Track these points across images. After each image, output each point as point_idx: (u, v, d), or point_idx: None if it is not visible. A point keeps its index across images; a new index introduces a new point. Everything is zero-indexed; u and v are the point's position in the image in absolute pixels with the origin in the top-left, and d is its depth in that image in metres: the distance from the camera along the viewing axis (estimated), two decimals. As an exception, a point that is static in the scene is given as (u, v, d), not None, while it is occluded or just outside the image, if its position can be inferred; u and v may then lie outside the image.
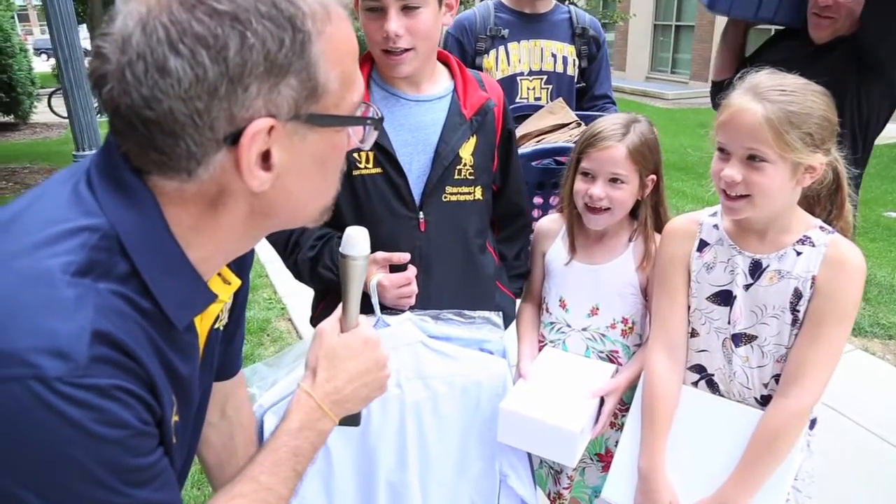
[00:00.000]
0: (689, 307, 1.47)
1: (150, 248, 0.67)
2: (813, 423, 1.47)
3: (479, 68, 2.29)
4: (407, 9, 1.42)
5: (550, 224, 1.79)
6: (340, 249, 0.96)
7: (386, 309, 1.45)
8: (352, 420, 0.96)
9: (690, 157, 7.01)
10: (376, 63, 1.56)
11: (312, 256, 1.52)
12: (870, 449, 2.78)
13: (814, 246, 1.32)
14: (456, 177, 1.57)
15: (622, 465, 1.53)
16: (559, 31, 2.33)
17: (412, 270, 1.53)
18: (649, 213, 1.63)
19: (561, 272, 1.71)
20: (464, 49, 2.30)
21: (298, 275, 1.61)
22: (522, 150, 1.94)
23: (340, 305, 0.97)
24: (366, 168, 1.50)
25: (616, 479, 1.52)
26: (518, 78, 2.30)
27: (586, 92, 2.44)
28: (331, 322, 0.96)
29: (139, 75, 0.61)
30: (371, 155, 1.49)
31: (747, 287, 1.37)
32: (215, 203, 0.69)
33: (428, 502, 1.46)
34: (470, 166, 1.60)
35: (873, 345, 3.66)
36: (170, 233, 0.69)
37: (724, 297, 1.41)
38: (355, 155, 1.39)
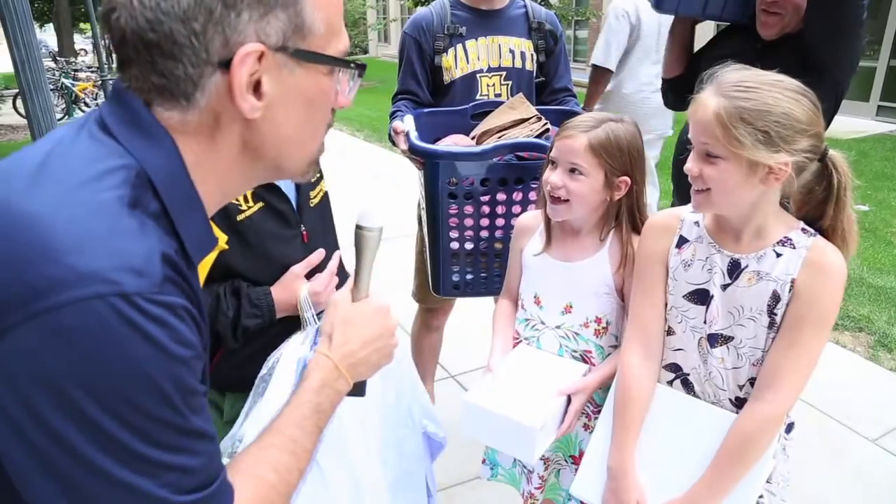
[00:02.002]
0: (666, 305, 1.44)
1: (175, 186, 0.72)
2: (790, 427, 1.44)
3: (439, 67, 2.28)
4: None
5: (530, 220, 1.77)
6: (357, 222, 1.00)
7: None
8: (357, 390, 1.00)
9: (663, 153, 7.04)
10: None
11: (234, 314, 1.42)
12: (841, 440, 2.80)
13: (794, 248, 1.29)
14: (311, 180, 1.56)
15: (592, 462, 1.51)
16: (516, 26, 2.32)
17: (333, 263, 1.55)
18: (625, 216, 1.60)
19: (535, 267, 1.70)
20: (422, 49, 2.28)
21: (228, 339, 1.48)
22: (483, 146, 1.92)
23: (352, 277, 1.03)
24: (248, 208, 1.41)
25: (585, 475, 1.51)
26: (478, 75, 2.29)
27: (546, 86, 2.43)
28: (343, 293, 1.03)
29: (144, 1, 0.67)
30: (248, 194, 1.42)
31: (725, 287, 1.35)
32: (213, 134, 0.74)
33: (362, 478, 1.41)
34: None
35: (844, 337, 3.70)
36: (186, 169, 0.73)
37: (701, 296, 1.39)
38: (234, 200, 1.32)
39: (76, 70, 14.63)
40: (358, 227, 1.01)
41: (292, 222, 1.50)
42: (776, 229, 1.31)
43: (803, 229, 1.31)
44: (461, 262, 2.09)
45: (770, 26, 2.01)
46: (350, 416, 1.36)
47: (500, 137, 2.05)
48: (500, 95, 2.33)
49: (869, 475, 2.62)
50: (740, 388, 1.38)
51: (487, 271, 2.12)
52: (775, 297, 1.29)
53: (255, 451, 0.84)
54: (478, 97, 2.32)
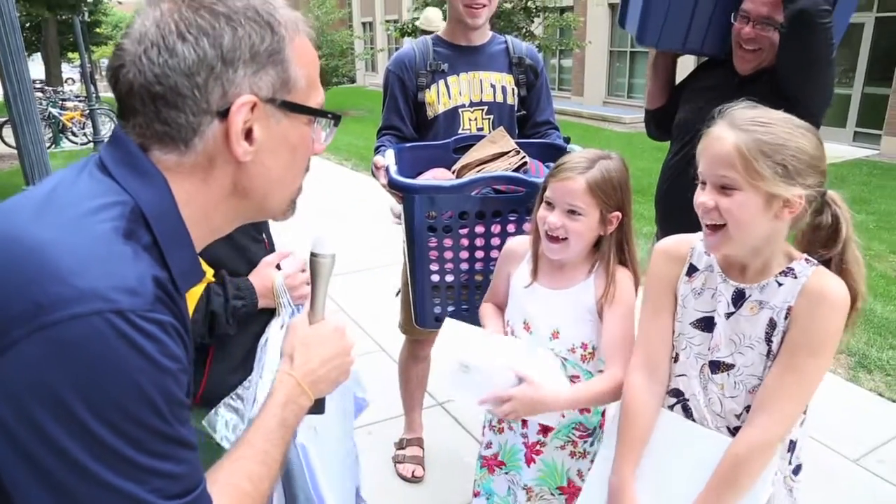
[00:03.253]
0: (673, 331, 1.46)
1: (166, 222, 0.79)
2: (798, 469, 1.45)
3: (422, 103, 2.34)
4: None
5: (518, 246, 1.81)
6: (311, 249, 1.08)
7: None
8: (316, 408, 1.06)
9: (647, 179, 7.15)
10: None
11: (223, 295, 1.52)
12: (823, 461, 2.84)
13: (795, 277, 1.30)
14: None
15: (596, 482, 1.55)
16: (497, 61, 2.38)
17: (296, 259, 1.66)
18: (613, 250, 1.64)
19: (523, 294, 1.74)
20: (405, 85, 2.34)
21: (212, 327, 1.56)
22: (460, 180, 1.96)
23: (308, 301, 1.11)
24: None
25: (588, 495, 1.56)
26: (460, 110, 2.35)
27: (528, 119, 2.49)
28: (301, 317, 1.12)
29: (153, 58, 0.76)
30: None
31: (728, 315, 1.37)
32: (206, 176, 0.82)
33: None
34: None
35: (824, 359, 3.76)
36: (177, 207, 0.81)
37: (707, 324, 1.41)
38: None
39: (64, 99, 14.65)
40: (312, 255, 1.08)
41: (260, 229, 1.68)
42: (780, 261, 1.33)
43: (806, 259, 1.32)
44: (442, 295, 2.12)
45: (746, 61, 2.09)
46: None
47: (479, 171, 2.10)
48: (482, 129, 2.38)
49: (850, 495, 2.66)
50: (737, 417, 1.39)
51: (469, 303, 2.14)
52: (772, 325, 1.31)
53: (229, 464, 0.89)
54: (460, 131, 2.37)
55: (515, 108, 2.44)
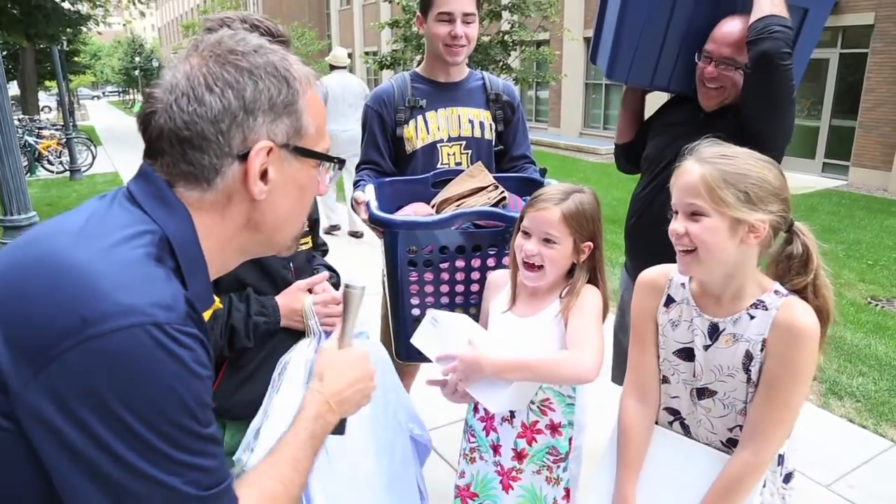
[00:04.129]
0: (658, 356, 1.58)
1: (188, 251, 0.88)
2: (788, 477, 1.55)
3: (400, 139, 2.38)
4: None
5: (500, 277, 1.91)
6: (344, 281, 1.20)
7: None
8: (338, 428, 1.15)
9: (622, 209, 7.28)
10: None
11: (245, 310, 1.63)
12: (796, 487, 2.89)
13: (766, 309, 1.40)
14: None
15: (596, 499, 1.66)
16: (474, 97, 2.44)
17: (332, 291, 1.75)
18: (582, 275, 1.74)
19: (497, 322, 1.81)
20: (383, 120, 2.38)
21: (231, 341, 1.63)
22: (440, 216, 2.00)
23: (339, 327, 1.22)
24: None
25: None
26: (438, 145, 2.39)
27: (505, 153, 2.54)
28: (331, 342, 1.24)
29: (183, 106, 0.86)
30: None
31: (706, 347, 1.48)
32: (223, 211, 0.92)
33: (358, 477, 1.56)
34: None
35: (797, 386, 3.83)
36: (197, 238, 0.90)
37: (688, 354, 1.52)
38: None
39: (40, 128, 14.54)
40: (345, 286, 1.19)
41: (283, 260, 1.75)
42: (752, 291, 1.42)
43: (776, 291, 1.41)
44: None
45: (710, 98, 2.17)
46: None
47: (458, 206, 2.13)
48: (460, 164, 2.42)
49: (823, 520, 2.70)
50: (730, 430, 1.50)
51: None
52: (748, 356, 1.41)
53: (263, 467, 0.99)
54: (439, 166, 2.40)
55: (493, 143, 2.48)
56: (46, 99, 35.53)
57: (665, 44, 2.22)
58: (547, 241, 1.68)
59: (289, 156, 0.94)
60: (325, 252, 2.15)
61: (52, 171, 13.38)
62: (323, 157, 0.99)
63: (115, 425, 0.74)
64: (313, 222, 2.07)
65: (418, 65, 2.52)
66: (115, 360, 0.73)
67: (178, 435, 0.78)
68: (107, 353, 0.73)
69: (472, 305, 2.10)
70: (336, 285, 2.01)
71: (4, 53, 21.66)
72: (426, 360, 2.22)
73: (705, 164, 1.36)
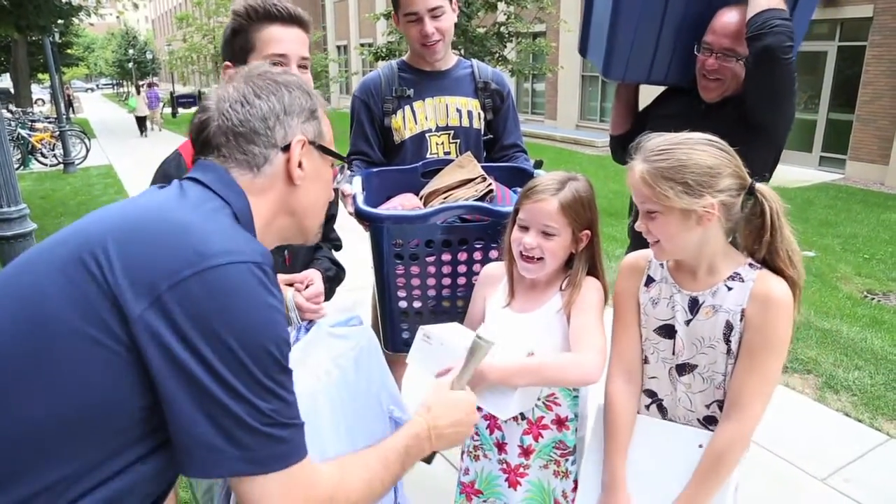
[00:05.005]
0: (641, 336, 1.60)
1: (247, 224, 1.06)
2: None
3: (388, 129, 2.35)
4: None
5: (495, 270, 1.86)
6: (478, 332, 1.30)
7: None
8: (428, 458, 1.26)
9: (619, 202, 7.26)
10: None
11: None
12: (791, 480, 2.88)
13: (743, 281, 1.45)
14: None
15: (588, 484, 1.67)
16: (462, 86, 2.40)
17: (319, 286, 1.76)
18: (582, 266, 1.70)
19: (497, 318, 1.77)
20: (371, 111, 2.36)
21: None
22: (426, 210, 1.98)
23: (459, 367, 1.35)
24: None
25: (583, 497, 1.68)
26: (427, 135, 2.36)
27: (496, 143, 2.51)
28: (447, 380, 1.37)
29: (237, 109, 1.09)
30: None
31: (687, 322, 1.51)
32: (268, 193, 1.11)
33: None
34: None
35: (793, 379, 3.82)
36: (251, 215, 1.08)
37: (668, 331, 1.55)
38: None
39: (33, 120, 14.46)
40: (477, 337, 1.29)
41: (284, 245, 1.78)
42: (726, 266, 1.47)
43: (750, 264, 1.46)
44: (410, 321, 2.11)
45: (710, 90, 2.15)
46: (324, 398, 1.49)
47: (445, 198, 2.10)
48: (448, 153, 2.39)
49: (819, 515, 2.69)
50: (707, 407, 1.53)
51: None
52: (729, 326, 1.45)
53: (352, 456, 1.13)
54: (428, 155, 2.38)
55: (482, 133, 2.45)
56: (40, 92, 35.34)
57: (660, 38, 2.19)
58: (545, 233, 1.65)
59: (314, 151, 1.16)
60: (338, 247, 2.13)
61: (46, 164, 13.31)
62: (338, 156, 1.23)
63: (217, 346, 0.87)
64: (330, 216, 2.05)
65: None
66: (226, 288, 0.89)
67: (269, 363, 0.91)
68: (219, 281, 0.89)
69: (458, 298, 2.07)
70: (335, 279, 1.98)
71: (-3, 45, 21.49)
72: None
73: (644, 162, 1.40)
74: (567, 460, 1.75)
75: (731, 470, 1.47)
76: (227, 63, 1.77)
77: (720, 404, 1.50)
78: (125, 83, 52.15)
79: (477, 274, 2.02)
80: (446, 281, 2.05)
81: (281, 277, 1.70)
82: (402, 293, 2.05)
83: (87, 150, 13.75)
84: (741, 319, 1.43)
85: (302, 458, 0.96)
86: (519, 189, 2.17)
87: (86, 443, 0.89)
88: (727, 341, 1.45)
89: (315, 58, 16.84)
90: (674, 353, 1.54)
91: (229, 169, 1.08)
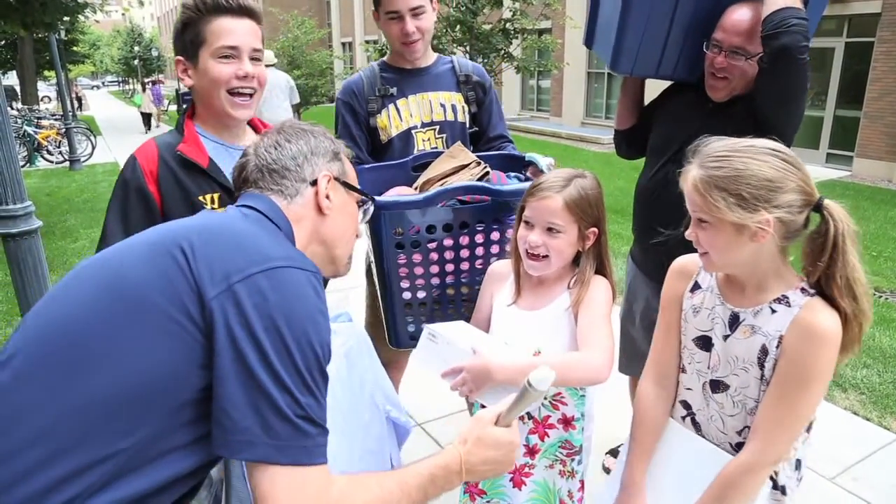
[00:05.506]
0: (680, 342, 1.54)
1: (291, 244, 1.18)
2: (783, 489, 1.45)
3: (374, 129, 2.35)
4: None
5: (501, 267, 1.86)
6: (530, 378, 1.19)
7: None
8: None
9: (626, 199, 7.23)
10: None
11: None
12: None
13: (789, 306, 1.33)
14: None
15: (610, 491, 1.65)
16: (444, 81, 2.41)
17: None
18: (590, 264, 1.69)
19: (504, 316, 1.76)
20: (356, 112, 2.35)
21: None
22: (425, 193, 1.96)
23: (505, 403, 1.23)
24: (212, 209, 1.68)
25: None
26: (412, 131, 2.36)
27: (481, 136, 2.51)
28: (491, 413, 1.24)
29: (270, 151, 1.27)
30: (216, 196, 1.71)
31: (725, 338, 1.43)
32: (301, 223, 1.25)
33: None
34: None
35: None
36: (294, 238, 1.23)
37: (705, 343, 1.48)
38: (200, 198, 1.69)
39: (39, 118, 14.48)
40: (528, 384, 1.21)
41: None
42: (777, 286, 1.36)
43: (802, 289, 1.34)
44: (415, 312, 2.10)
45: (718, 90, 2.12)
46: None
47: (441, 185, 2.09)
48: (436, 149, 2.39)
49: (828, 514, 2.67)
50: (739, 433, 1.43)
51: (443, 319, 2.12)
52: (764, 351, 1.35)
53: (370, 473, 1.13)
54: (415, 152, 2.38)
55: (467, 126, 2.46)
56: (46, 89, 35.43)
57: (671, 32, 2.17)
58: (551, 230, 1.63)
59: (340, 187, 1.31)
60: None
61: (52, 162, 13.34)
62: (362, 193, 1.38)
63: (273, 335, 0.97)
64: None
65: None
66: (288, 286, 1.01)
67: (313, 361, 1.00)
68: (283, 279, 1.01)
69: (463, 285, 2.07)
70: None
71: (2, 43, 21.56)
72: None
73: (699, 168, 1.32)
74: (573, 460, 1.74)
75: (741, 501, 1.36)
76: (178, 58, 1.74)
77: None
78: (131, 80, 52.24)
79: (480, 258, 2.02)
80: (449, 267, 2.04)
81: None
82: (405, 284, 2.04)
83: (93, 147, 13.77)
84: (777, 346, 1.32)
85: (321, 463, 1.01)
86: (513, 174, 2.15)
87: (144, 416, 0.97)
88: (761, 366, 1.35)
89: (320, 54, 16.80)
90: (709, 367, 1.46)
91: (270, 196, 1.23)
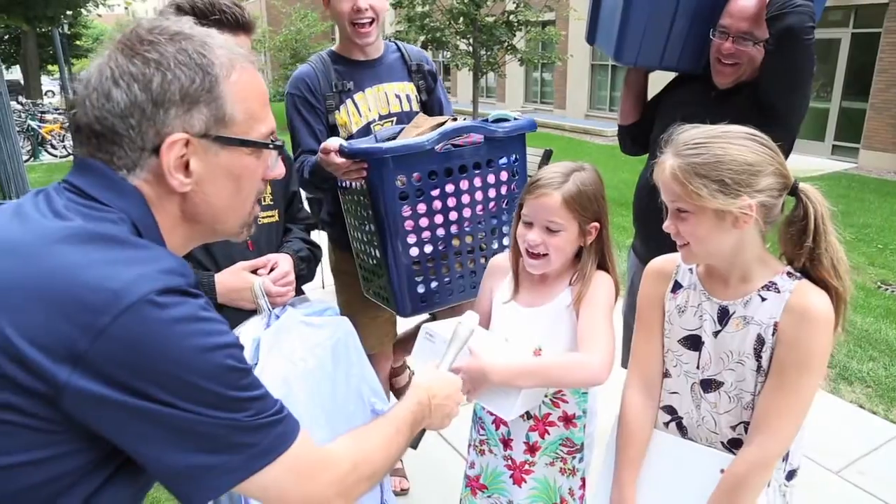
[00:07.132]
0: (664, 346, 1.49)
1: (149, 231, 0.89)
2: (791, 474, 1.46)
3: (333, 126, 2.28)
4: None
5: (501, 261, 1.81)
6: (460, 319, 1.36)
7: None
8: (414, 443, 1.25)
9: (629, 192, 7.20)
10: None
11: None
12: (805, 473, 2.82)
13: (778, 292, 1.32)
14: (262, 203, 1.76)
15: (598, 499, 1.60)
16: (396, 72, 2.39)
17: (284, 267, 1.76)
18: (591, 259, 1.65)
19: (504, 313, 1.73)
20: (313, 107, 2.27)
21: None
22: (426, 136, 1.93)
23: (442, 353, 1.42)
24: None
25: None
26: (371, 125, 2.33)
27: None
28: (431, 365, 1.40)
29: (93, 102, 0.86)
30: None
31: (716, 334, 1.39)
32: (156, 205, 0.90)
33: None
34: (269, 194, 1.88)
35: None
36: (154, 221, 0.91)
37: (694, 342, 1.44)
38: None
39: (43, 112, 14.51)
40: (459, 323, 1.35)
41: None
42: (761, 274, 1.34)
43: (788, 273, 1.33)
44: (424, 270, 2.06)
45: (725, 76, 2.10)
46: (300, 386, 1.49)
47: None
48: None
49: (833, 508, 2.66)
50: (733, 429, 1.41)
51: (450, 274, 2.11)
52: (760, 341, 1.32)
53: (364, 427, 1.09)
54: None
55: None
56: (49, 83, 35.43)
57: (675, 22, 2.14)
58: (550, 228, 1.59)
59: (212, 145, 0.90)
60: (311, 226, 2.08)
61: (56, 156, 13.36)
62: (250, 144, 0.94)
63: (168, 383, 0.77)
64: (292, 193, 2.02)
65: (424, 46, 2.45)
66: (149, 325, 0.77)
67: (229, 377, 0.82)
68: (139, 321, 0.76)
69: (467, 234, 2.08)
70: (311, 258, 1.97)
71: (6, 37, 21.57)
72: (430, 308, 2.15)
73: (676, 156, 1.28)
74: (574, 457, 1.73)
75: (754, 498, 1.34)
76: None
77: (748, 426, 1.38)
78: (134, 74, 52.07)
79: (480, 203, 2.04)
80: (453, 215, 2.02)
81: (243, 265, 1.71)
82: (411, 238, 1.98)
83: (97, 142, 13.80)
84: (773, 334, 1.30)
85: (297, 430, 0.91)
86: (492, 124, 2.08)
87: None
88: (758, 357, 1.33)
89: (322, 47, 16.79)
90: (698, 367, 1.42)
91: (103, 165, 0.89)
